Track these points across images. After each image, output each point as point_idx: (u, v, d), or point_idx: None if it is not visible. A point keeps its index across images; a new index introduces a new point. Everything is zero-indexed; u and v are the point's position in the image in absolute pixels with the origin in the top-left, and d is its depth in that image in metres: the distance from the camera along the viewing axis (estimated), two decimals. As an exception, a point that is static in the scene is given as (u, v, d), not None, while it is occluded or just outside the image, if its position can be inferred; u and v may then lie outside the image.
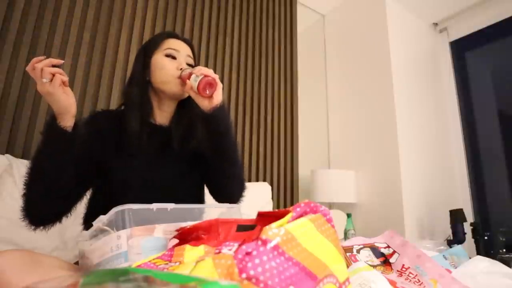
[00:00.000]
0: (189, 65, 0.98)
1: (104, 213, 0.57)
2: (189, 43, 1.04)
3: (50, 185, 0.77)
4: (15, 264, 0.54)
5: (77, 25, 1.62)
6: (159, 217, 0.60)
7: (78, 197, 0.88)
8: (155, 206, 0.60)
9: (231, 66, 2.17)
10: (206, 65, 2.06)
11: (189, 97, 1.00)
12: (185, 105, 1.01)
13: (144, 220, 0.57)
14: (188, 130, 0.99)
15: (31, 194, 0.78)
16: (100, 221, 0.55)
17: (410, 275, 0.62)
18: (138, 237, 0.54)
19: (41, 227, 0.81)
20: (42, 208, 0.79)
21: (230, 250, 0.43)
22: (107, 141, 0.90)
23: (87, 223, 0.90)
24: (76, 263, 0.77)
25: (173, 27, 1.95)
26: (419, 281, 0.60)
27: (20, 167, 1.28)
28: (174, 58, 0.96)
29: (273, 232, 0.35)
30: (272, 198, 2.08)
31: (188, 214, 0.64)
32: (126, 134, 0.90)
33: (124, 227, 0.54)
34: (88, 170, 0.87)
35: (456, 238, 1.93)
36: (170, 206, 0.62)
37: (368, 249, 0.72)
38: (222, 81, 2.09)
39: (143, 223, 0.57)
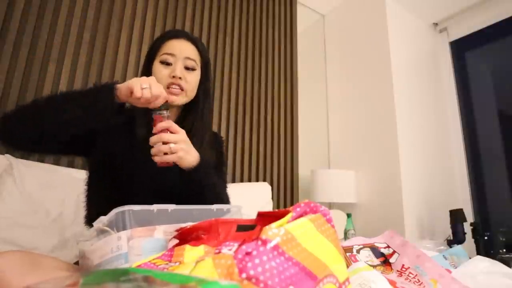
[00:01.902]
0: (187, 68, 0.93)
1: (106, 214, 0.57)
2: (192, 40, 0.97)
3: (54, 124, 0.77)
4: (15, 265, 0.54)
5: (77, 25, 1.62)
6: (159, 218, 0.59)
7: (53, 151, 0.89)
8: (155, 207, 0.60)
9: (231, 65, 2.17)
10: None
11: (193, 101, 0.98)
12: (190, 110, 0.99)
13: (144, 221, 0.57)
14: (191, 134, 0.97)
15: (28, 116, 0.77)
16: (101, 222, 0.55)
17: (410, 275, 0.62)
18: (138, 238, 0.54)
19: (7, 145, 0.81)
20: (27, 132, 0.78)
21: (230, 250, 0.43)
22: (118, 135, 0.90)
23: (91, 222, 0.90)
24: (76, 263, 0.77)
25: (173, 27, 1.95)
26: (419, 281, 0.60)
27: (20, 167, 1.28)
28: (169, 64, 0.93)
29: (273, 232, 0.35)
30: (272, 198, 2.08)
31: (188, 215, 0.64)
32: (133, 136, 0.90)
33: (124, 228, 0.54)
34: (81, 142, 0.88)
35: (456, 238, 1.93)
36: (170, 207, 0.62)
37: (368, 249, 0.72)
38: (222, 81, 2.10)
39: (144, 224, 0.56)
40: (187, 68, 0.94)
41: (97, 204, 0.90)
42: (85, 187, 0.94)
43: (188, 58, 0.94)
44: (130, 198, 0.81)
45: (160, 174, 0.88)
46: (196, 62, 0.96)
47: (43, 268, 0.58)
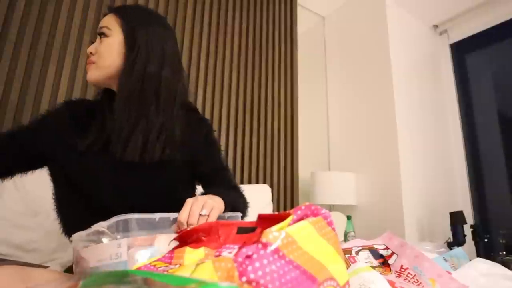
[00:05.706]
0: (100, 34, 0.81)
1: (84, 219, 0.55)
2: (114, 9, 0.84)
3: None
4: (4, 282, 0.54)
5: (77, 25, 1.62)
6: (160, 226, 0.59)
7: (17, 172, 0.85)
8: (157, 215, 0.59)
9: (231, 66, 2.17)
10: (206, 65, 2.05)
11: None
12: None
13: (145, 230, 0.56)
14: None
15: None
16: (100, 227, 0.54)
17: (409, 275, 0.62)
18: (139, 247, 0.53)
19: None
20: None
21: (230, 253, 0.43)
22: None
23: (71, 230, 0.79)
24: (71, 267, 0.76)
25: (173, 27, 1.96)
26: (418, 281, 0.60)
27: (20, 168, 1.28)
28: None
29: (274, 235, 0.35)
30: (272, 200, 2.08)
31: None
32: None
33: (124, 236, 0.53)
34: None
35: (456, 240, 1.93)
36: (172, 215, 0.61)
37: (367, 250, 0.72)
38: (222, 81, 2.09)
39: (144, 232, 0.55)
40: (100, 34, 0.81)
41: (76, 213, 0.81)
42: (55, 197, 0.84)
43: (101, 27, 0.81)
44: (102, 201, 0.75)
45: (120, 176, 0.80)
46: (110, 27, 0.80)
47: (33, 282, 0.57)
